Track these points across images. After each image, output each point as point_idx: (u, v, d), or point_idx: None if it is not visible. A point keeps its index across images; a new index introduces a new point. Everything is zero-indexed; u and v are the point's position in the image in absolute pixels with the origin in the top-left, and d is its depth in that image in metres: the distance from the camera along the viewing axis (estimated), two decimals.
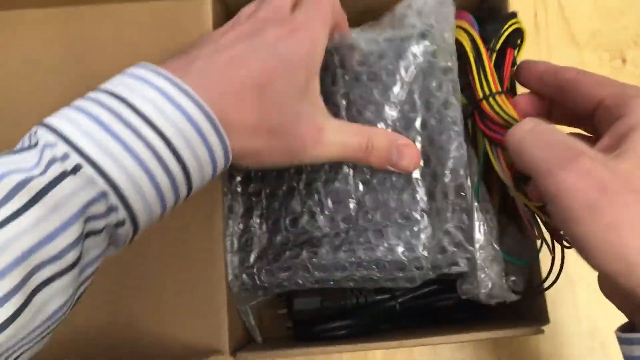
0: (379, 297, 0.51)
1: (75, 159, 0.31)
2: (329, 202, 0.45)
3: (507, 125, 0.42)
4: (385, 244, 0.44)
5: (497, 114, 0.43)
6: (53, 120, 0.32)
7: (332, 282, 0.46)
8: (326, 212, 0.45)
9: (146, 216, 0.34)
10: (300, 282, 0.46)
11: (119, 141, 0.32)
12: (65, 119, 0.32)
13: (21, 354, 0.31)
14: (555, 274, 0.44)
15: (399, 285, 0.45)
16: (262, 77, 0.37)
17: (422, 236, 0.44)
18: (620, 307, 0.38)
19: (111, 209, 0.32)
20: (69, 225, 0.30)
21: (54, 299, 0.31)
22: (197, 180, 0.36)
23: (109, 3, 0.51)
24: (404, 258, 0.44)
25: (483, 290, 0.44)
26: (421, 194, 0.44)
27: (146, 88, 0.34)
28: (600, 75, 0.40)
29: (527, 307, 0.48)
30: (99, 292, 0.43)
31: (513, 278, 0.46)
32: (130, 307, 0.46)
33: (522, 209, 0.44)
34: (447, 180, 0.44)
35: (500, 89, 0.44)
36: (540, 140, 0.36)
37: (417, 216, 0.44)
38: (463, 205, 0.44)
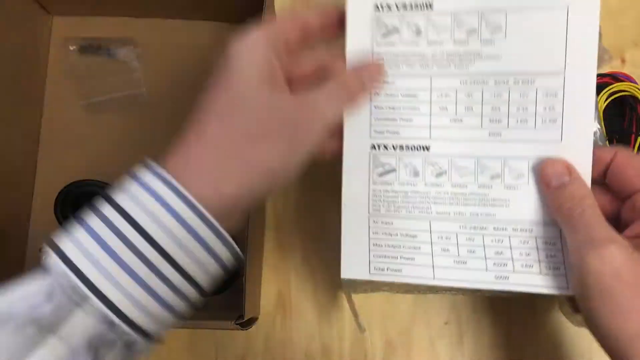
0: None
1: (83, 291, 0.34)
2: None
3: None
4: None
5: None
6: (64, 244, 0.35)
7: None
8: None
9: (158, 328, 0.36)
10: None
11: (125, 268, 0.34)
12: (74, 244, 0.35)
13: None
14: None
15: None
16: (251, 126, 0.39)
17: None
18: None
19: (120, 334, 0.35)
20: (78, 356, 0.33)
21: None
22: (205, 282, 0.38)
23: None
24: None
25: None
26: None
27: (149, 200, 0.35)
28: None
29: None
30: None
31: None
32: None
33: None
34: None
35: None
36: (583, 216, 0.41)
37: None
38: None
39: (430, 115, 0.46)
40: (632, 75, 0.56)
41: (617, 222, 0.44)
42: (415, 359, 0.58)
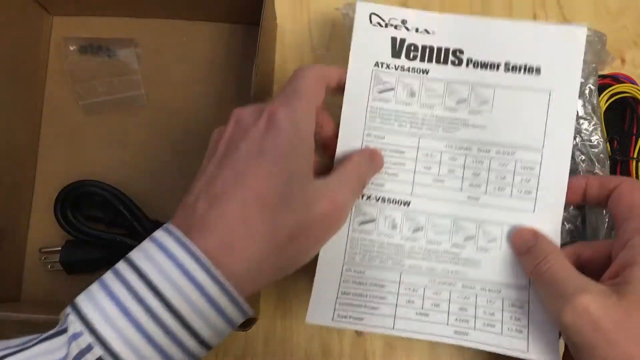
0: None
1: (98, 351, 0.34)
2: None
3: None
4: None
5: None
6: (83, 304, 0.35)
7: None
8: None
9: None
10: None
11: (140, 330, 0.35)
12: (92, 303, 0.35)
13: None
14: None
15: None
16: (262, 192, 0.38)
17: None
18: None
19: None
20: None
21: None
22: (214, 341, 0.38)
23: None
24: None
25: None
26: None
27: (167, 263, 0.36)
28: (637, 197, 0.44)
29: None
30: None
31: None
32: None
33: None
34: None
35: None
36: (549, 272, 0.42)
37: None
38: None
39: (415, 172, 0.49)
40: (632, 76, 0.56)
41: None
42: None
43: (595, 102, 0.52)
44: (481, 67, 0.48)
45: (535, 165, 0.47)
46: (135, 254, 0.37)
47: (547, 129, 0.47)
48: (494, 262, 0.47)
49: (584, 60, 0.48)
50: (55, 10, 0.63)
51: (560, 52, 0.48)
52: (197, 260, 0.36)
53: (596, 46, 0.51)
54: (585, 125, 0.52)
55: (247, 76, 0.50)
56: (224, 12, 0.62)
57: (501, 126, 0.48)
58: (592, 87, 0.52)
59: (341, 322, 0.47)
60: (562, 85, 0.48)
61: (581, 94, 0.51)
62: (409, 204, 0.49)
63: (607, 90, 0.55)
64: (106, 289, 0.36)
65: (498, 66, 0.48)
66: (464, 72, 0.49)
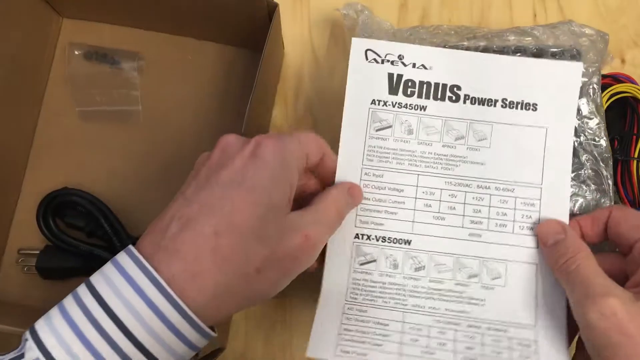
0: None
1: None
2: None
3: None
4: None
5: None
6: (41, 330, 0.35)
7: None
8: None
9: None
10: None
11: (96, 356, 0.34)
12: (50, 328, 0.35)
13: None
14: None
15: None
16: (236, 221, 0.38)
17: None
18: None
19: None
20: None
21: None
22: None
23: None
24: None
25: None
26: None
27: (126, 288, 0.36)
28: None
29: None
30: None
31: None
32: None
33: None
34: None
35: None
36: (578, 271, 0.42)
37: None
38: None
39: (415, 210, 0.48)
40: (632, 76, 0.56)
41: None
42: None
43: (598, 101, 0.51)
44: (478, 103, 0.49)
45: (535, 202, 0.47)
46: (95, 277, 0.37)
47: (545, 165, 0.48)
48: (499, 301, 0.47)
49: (587, 60, 0.49)
50: (66, 12, 0.64)
51: (556, 88, 0.48)
52: (157, 285, 0.36)
53: (599, 45, 0.52)
54: (589, 124, 0.51)
55: (245, 103, 0.50)
56: (232, 35, 0.63)
57: (500, 163, 0.48)
58: (595, 86, 0.51)
59: (344, 357, 0.45)
60: (558, 120, 0.48)
61: (585, 93, 0.51)
62: (410, 243, 0.48)
63: (607, 90, 0.55)
64: (65, 314, 0.36)
65: (495, 102, 0.49)
66: (461, 109, 0.49)
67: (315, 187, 0.48)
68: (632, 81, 0.55)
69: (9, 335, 0.47)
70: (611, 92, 0.55)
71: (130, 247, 0.38)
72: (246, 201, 0.38)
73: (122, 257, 0.37)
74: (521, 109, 0.48)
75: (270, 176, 0.39)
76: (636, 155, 0.54)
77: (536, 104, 0.48)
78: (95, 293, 0.36)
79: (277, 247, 0.39)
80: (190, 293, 0.36)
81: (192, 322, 0.36)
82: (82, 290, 0.37)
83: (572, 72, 0.48)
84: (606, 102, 0.54)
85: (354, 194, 0.47)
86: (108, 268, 0.37)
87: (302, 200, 0.46)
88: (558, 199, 0.47)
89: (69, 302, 0.36)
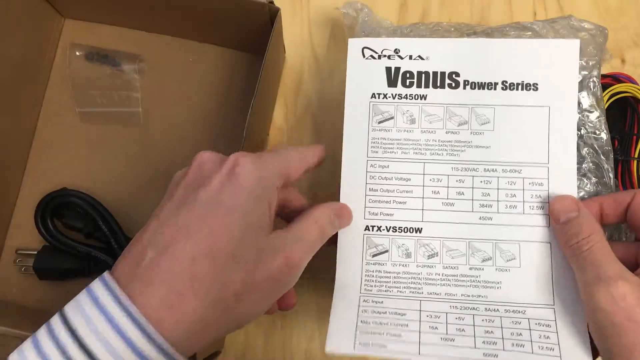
0: None
1: None
2: None
3: None
4: None
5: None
6: None
7: None
8: None
9: None
10: None
11: None
12: None
13: None
14: None
15: None
16: (214, 245, 0.37)
17: None
18: None
19: None
20: None
21: None
22: None
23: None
24: None
25: None
26: None
27: (98, 318, 0.35)
28: None
29: None
30: None
31: None
32: None
33: None
34: None
35: None
36: (590, 253, 0.41)
37: None
38: None
39: (423, 198, 0.48)
40: (632, 76, 0.56)
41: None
42: None
43: (599, 94, 0.51)
44: (478, 87, 0.49)
45: (543, 181, 0.47)
46: (69, 306, 0.36)
47: (550, 144, 0.47)
48: (515, 282, 0.46)
49: (587, 53, 0.49)
50: (67, 13, 0.65)
51: (555, 66, 0.48)
52: (131, 318, 0.35)
53: (598, 39, 0.52)
54: (589, 117, 0.51)
55: (246, 107, 0.50)
56: (233, 39, 0.63)
57: (505, 145, 0.48)
58: (595, 79, 0.51)
59: (364, 349, 0.44)
60: (560, 99, 0.48)
61: (585, 86, 0.51)
62: (420, 231, 0.48)
63: (607, 90, 0.55)
64: (37, 347, 0.35)
65: (495, 85, 0.49)
66: (461, 95, 0.49)
67: (300, 202, 0.47)
68: (632, 81, 0.56)
69: (5, 336, 0.47)
70: (611, 92, 0.55)
71: (106, 275, 0.37)
72: (224, 223, 0.38)
73: (96, 287, 0.36)
74: (522, 89, 0.48)
75: (248, 196, 0.39)
76: (636, 155, 0.54)
77: (537, 84, 0.48)
78: (68, 326, 0.35)
79: (256, 270, 0.38)
80: (168, 325, 0.35)
81: (167, 355, 0.35)
82: (55, 320, 0.36)
83: (570, 49, 0.48)
84: (606, 102, 0.54)
85: (341, 215, 0.46)
86: (82, 296, 0.36)
87: (286, 217, 0.46)
88: (566, 177, 0.47)
89: (42, 333, 0.35)
